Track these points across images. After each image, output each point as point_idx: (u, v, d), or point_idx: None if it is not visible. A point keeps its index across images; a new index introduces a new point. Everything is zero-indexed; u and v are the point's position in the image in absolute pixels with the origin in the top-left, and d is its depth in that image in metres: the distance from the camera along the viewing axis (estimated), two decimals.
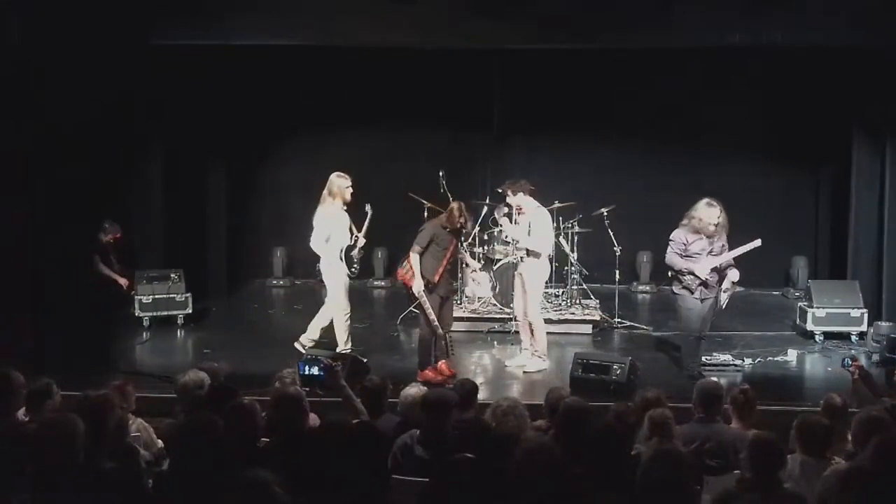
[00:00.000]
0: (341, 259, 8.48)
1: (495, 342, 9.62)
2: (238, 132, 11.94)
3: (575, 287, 10.48)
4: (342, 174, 8.49)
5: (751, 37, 9.06)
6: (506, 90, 11.99)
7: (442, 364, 8.25)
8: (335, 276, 8.54)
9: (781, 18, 8.86)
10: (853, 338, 9.55)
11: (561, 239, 10.19)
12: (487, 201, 10.52)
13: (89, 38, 8.47)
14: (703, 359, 8.48)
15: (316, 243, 8.49)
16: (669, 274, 8.41)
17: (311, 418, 5.28)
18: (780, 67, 11.21)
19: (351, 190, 8.47)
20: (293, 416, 4.96)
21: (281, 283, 12.54)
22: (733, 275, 8.14)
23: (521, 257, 8.55)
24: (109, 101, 9.00)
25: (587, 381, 7.83)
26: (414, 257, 8.14)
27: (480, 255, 10.35)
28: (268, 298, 12.12)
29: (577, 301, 10.47)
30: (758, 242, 8.15)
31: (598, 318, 10.21)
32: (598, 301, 10.65)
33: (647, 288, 12.14)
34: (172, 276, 10.13)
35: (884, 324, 9.27)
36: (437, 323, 8.16)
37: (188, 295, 10.17)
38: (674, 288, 8.34)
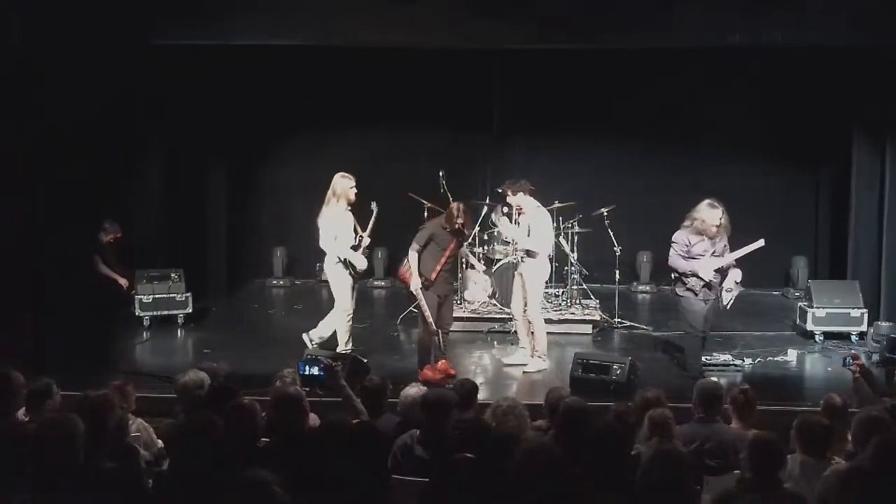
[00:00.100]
0: (341, 260, 8.47)
1: (495, 342, 9.61)
2: (238, 132, 11.94)
3: (575, 287, 10.48)
4: (346, 175, 8.46)
5: (751, 37, 9.05)
6: (506, 90, 11.99)
7: (442, 363, 8.26)
8: (338, 276, 8.54)
9: (781, 18, 8.85)
10: (853, 338, 9.55)
11: (561, 239, 10.18)
12: (487, 201, 10.51)
13: (89, 38, 8.46)
14: (704, 359, 8.49)
15: (326, 243, 8.47)
16: (672, 276, 8.39)
17: (311, 418, 5.28)
18: (780, 67, 11.21)
19: (355, 190, 8.45)
20: (293, 416, 4.97)
21: (281, 283, 12.54)
22: (736, 274, 8.13)
23: (521, 257, 8.56)
24: (109, 101, 8.99)
25: (587, 381, 7.83)
26: (412, 255, 8.17)
27: (480, 255, 10.35)
28: (268, 298, 12.12)
29: (577, 301, 10.46)
30: (761, 243, 8.14)
31: (598, 318, 10.21)
32: (598, 301, 10.64)
33: (647, 288, 12.14)
34: (172, 275, 10.13)
35: (884, 324, 9.27)
36: (431, 320, 8.17)
37: (188, 295, 10.17)
38: (677, 290, 8.33)
